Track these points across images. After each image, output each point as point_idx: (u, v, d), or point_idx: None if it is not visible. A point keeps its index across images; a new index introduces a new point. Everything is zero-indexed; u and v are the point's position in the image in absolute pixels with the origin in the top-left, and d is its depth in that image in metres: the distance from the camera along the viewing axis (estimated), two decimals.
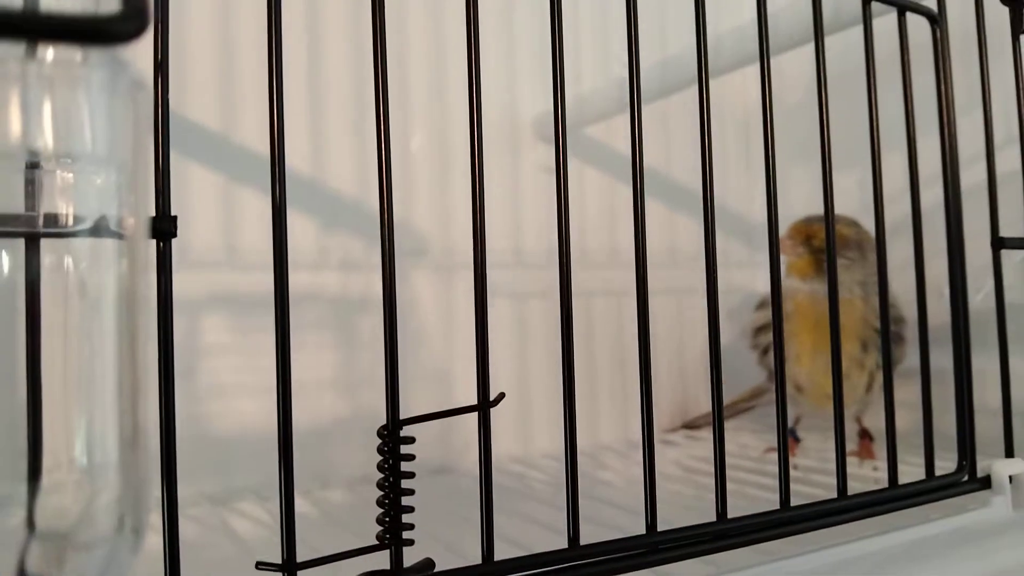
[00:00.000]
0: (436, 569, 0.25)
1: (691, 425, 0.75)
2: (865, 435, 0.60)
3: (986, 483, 0.38)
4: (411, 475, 0.25)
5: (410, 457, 0.25)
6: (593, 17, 0.75)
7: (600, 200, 0.74)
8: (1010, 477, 0.39)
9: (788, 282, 0.61)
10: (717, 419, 0.31)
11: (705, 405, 0.76)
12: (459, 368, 0.67)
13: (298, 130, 0.61)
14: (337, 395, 0.62)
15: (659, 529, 0.29)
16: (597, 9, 0.75)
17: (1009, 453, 0.40)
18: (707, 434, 0.73)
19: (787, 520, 0.32)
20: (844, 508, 0.33)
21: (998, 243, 0.40)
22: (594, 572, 0.27)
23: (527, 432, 0.69)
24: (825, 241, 0.57)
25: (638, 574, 0.29)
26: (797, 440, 0.63)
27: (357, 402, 0.63)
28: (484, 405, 0.26)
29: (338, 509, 0.54)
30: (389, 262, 0.26)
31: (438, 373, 0.67)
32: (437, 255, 0.67)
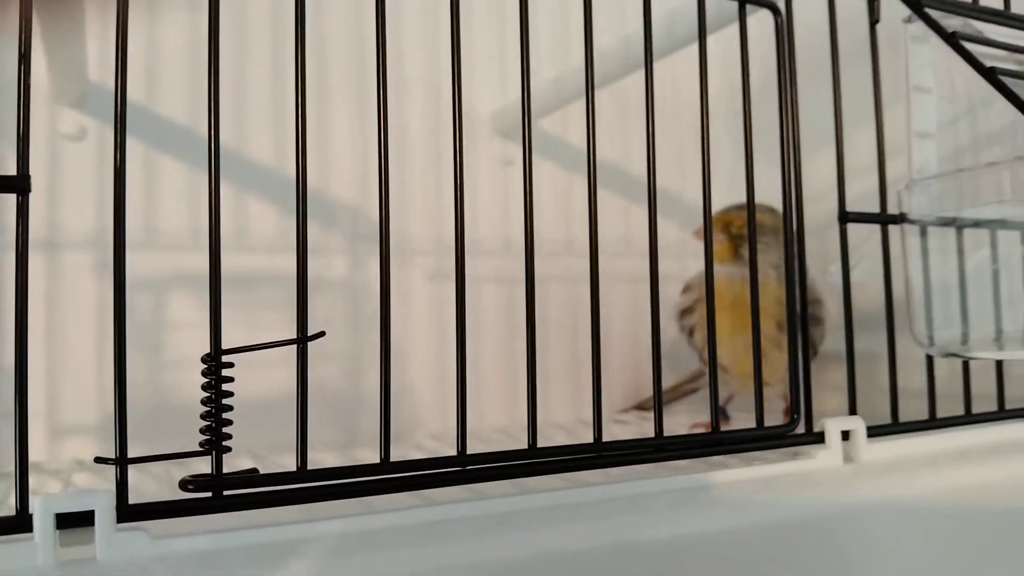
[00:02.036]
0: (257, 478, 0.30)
1: (643, 407, 0.78)
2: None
3: (821, 437, 0.41)
4: (230, 394, 0.30)
5: (230, 379, 0.30)
6: (550, 7, 0.79)
7: (556, 191, 0.78)
8: (845, 433, 0.42)
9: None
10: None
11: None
12: (414, 348, 0.72)
13: (261, 122, 0.67)
14: (291, 371, 0.67)
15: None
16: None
17: (852, 411, 0.43)
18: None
19: (597, 452, 0.36)
20: (662, 446, 0.37)
21: (844, 217, 0.43)
22: (396, 485, 0.31)
23: (479, 408, 0.73)
24: (743, 228, 0.61)
25: (452, 490, 0.33)
26: (727, 418, 0.66)
27: (311, 376, 0.68)
28: (303, 339, 0.31)
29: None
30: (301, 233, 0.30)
31: (395, 351, 0.72)
32: (393, 241, 0.72)
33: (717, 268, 0.64)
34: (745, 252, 0.62)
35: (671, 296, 0.77)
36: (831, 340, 0.61)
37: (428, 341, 0.71)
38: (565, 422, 0.74)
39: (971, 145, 0.49)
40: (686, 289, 0.67)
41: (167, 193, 0.63)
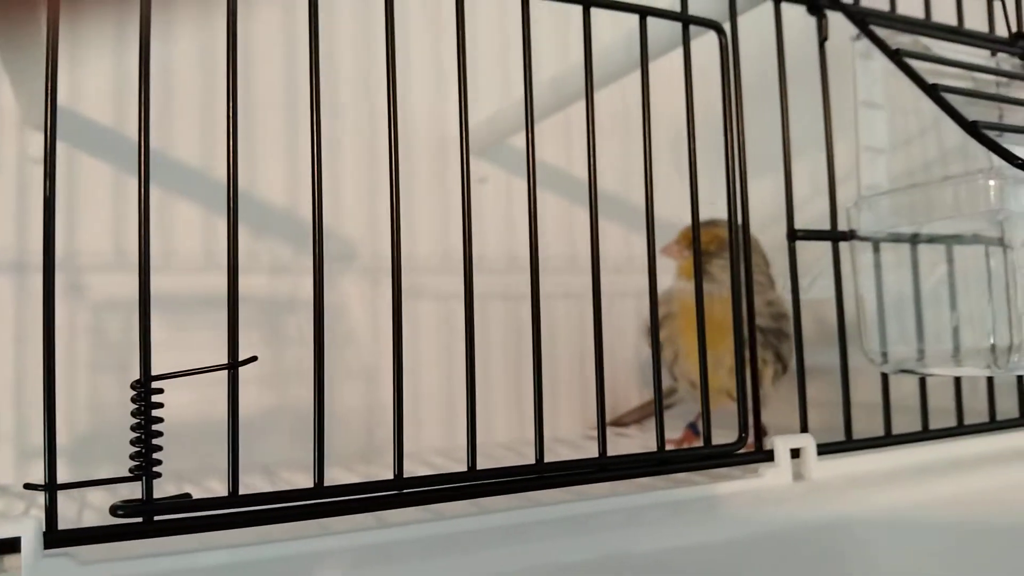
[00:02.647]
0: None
1: (618, 423, 0.78)
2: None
3: (770, 455, 0.41)
4: (160, 420, 0.30)
5: (159, 405, 0.30)
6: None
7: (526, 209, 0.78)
8: (796, 451, 0.42)
9: (679, 283, 0.65)
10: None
11: (633, 402, 0.80)
12: (385, 366, 0.72)
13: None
14: (263, 389, 0.67)
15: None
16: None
17: (804, 429, 0.43)
18: (633, 431, 0.76)
19: (540, 472, 0.36)
20: (605, 465, 0.37)
21: (793, 235, 0.44)
22: (333, 509, 0.32)
23: (452, 426, 0.73)
24: (708, 244, 0.62)
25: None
26: (697, 434, 0.66)
27: (283, 395, 0.69)
28: (234, 364, 0.31)
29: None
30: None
31: (366, 371, 0.72)
32: (366, 260, 0.73)
33: (684, 284, 0.64)
34: (712, 268, 0.62)
35: (642, 312, 0.78)
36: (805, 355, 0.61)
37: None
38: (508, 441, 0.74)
39: (937, 160, 0.50)
40: None
41: (136, 216, 0.64)
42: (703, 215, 0.61)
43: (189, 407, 0.62)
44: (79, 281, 0.64)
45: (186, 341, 0.63)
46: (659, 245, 0.66)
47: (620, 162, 0.75)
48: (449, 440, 0.73)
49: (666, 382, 0.72)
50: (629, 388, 0.82)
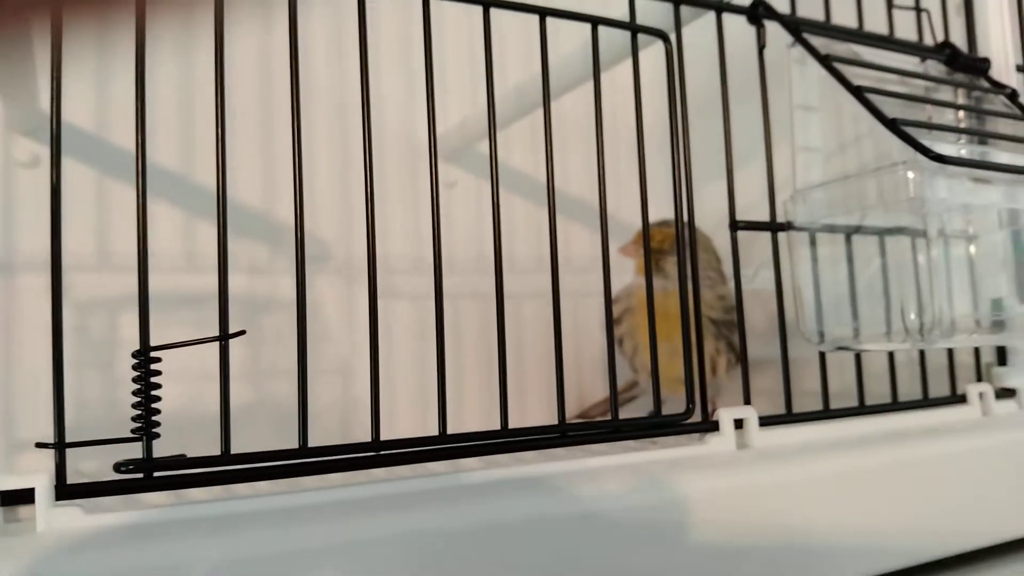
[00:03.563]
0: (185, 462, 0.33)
1: (584, 415, 0.82)
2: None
3: (715, 426, 0.45)
4: (159, 386, 0.33)
5: (158, 372, 0.33)
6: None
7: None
8: (740, 423, 0.46)
9: (636, 280, 0.69)
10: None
11: (599, 396, 0.83)
12: (359, 363, 0.76)
13: (209, 145, 0.70)
14: (242, 385, 0.70)
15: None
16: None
17: (747, 402, 0.47)
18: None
19: (506, 438, 0.39)
20: (566, 431, 0.41)
21: (734, 226, 0.48)
22: (315, 468, 0.35)
23: (425, 420, 0.76)
24: (662, 243, 0.66)
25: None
26: None
27: (262, 392, 0.71)
28: (224, 336, 0.34)
29: None
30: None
31: (341, 368, 0.75)
32: (340, 261, 0.76)
33: (642, 281, 0.68)
34: (666, 265, 0.66)
35: (599, 308, 0.81)
36: (756, 346, 0.65)
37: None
38: None
39: (874, 161, 0.54)
40: (615, 301, 0.71)
41: (120, 216, 0.67)
42: (659, 216, 0.66)
43: (177, 399, 0.65)
44: (63, 281, 0.67)
45: (169, 339, 0.66)
46: (619, 245, 0.71)
47: (586, 165, 0.79)
48: (423, 433, 0.76)
49: (628, 375, 0.76)
50: (595, 383, 0.85)
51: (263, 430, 0.71)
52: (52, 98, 0.34)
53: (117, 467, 0.32)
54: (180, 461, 0.33)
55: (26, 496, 0.31)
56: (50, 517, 0.30)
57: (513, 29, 0.76)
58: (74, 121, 0.67)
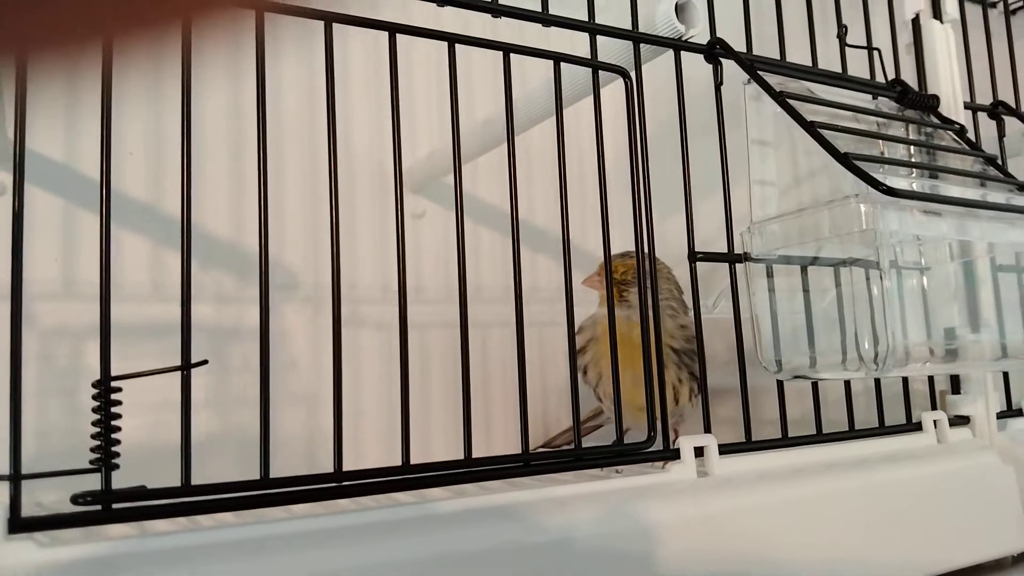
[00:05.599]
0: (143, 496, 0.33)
1: (550, 444, 0.82)
2: None
3: (677, 454, 0.46)
4: (119, 416, 0.33)
5: (118, 403, 0.33)
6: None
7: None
8: (700, 450, 0.47)
9: (600, 310, 0.70)
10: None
11: (564, 425, 0.84)
12: (326, 392, 0.75)
13: (178, 175, 0.71)
14: (209, 414, 0.70)
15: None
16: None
17: (707, 430, 0.48)
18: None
19: (469, 467, 0.40)
20: (529, 460, 0.41)
21: (693, 256, 0.49)
22: (272, 500, 0.35)
23: (392, 450, 0.76)
24: (625, 274, 0.67)
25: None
26: None
27: (228, 421, 0.71)
28: (187, 366, 0.35)
29: None
30: None
31: (307, 396, 0.75)
32: (308, 290, 0.76)
33: (606, 311, 0.69)
34: (629, 296, 0.67)
35: (564, 338, 0.82)
36: (719, 376, 0.66)
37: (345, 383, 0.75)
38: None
39: (829, 195, 0.56)
40: (579, 331, 0.71)
41: (88, 245, 0.66)
42: (623, 248, 0.67)
43: (137, 430, 0.65)
44: (27, 309, 0.66)
45: (135, 369, 0.65)
46: (584, 276, 0.72)
47: (552, 197, 0.80)
48: (390, 462, 0.76)
49: (592, 404, 0.77)
50: (561, 412, 0.86)
51: (229, 460, 0.70)
52: (16, 127, 0.34)
53: (74, 499, 0.32)
54: (139, 492, 0.33)
55: None
56: (3, 551, 0.30)
57: (481, 65, 0.78)
58: (42, 150, 0.66)
